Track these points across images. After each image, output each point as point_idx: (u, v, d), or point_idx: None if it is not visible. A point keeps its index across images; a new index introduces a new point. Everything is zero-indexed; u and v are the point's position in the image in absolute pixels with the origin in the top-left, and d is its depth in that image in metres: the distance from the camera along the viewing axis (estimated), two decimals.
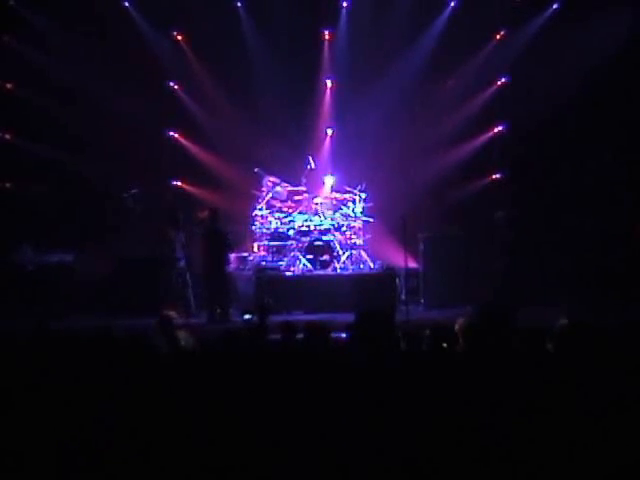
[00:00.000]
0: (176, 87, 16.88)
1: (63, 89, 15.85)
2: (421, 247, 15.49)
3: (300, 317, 13.43)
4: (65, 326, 12.50)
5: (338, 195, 16.14)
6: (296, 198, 16.08)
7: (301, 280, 15.22)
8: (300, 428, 5.21)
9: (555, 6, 16.37)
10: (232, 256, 15.06)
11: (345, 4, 16.95)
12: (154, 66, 16.31)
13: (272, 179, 15.91)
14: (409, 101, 16.58)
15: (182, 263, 14.55)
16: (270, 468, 5.01)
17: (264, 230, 15.94)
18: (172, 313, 9.76)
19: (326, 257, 15.50)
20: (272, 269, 15.49)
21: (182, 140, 16.87)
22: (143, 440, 5.21)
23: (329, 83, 17.05)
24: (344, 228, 15.86)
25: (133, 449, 5.17)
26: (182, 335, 9.25)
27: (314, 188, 16.14)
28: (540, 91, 15.72)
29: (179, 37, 16.82)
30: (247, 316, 12.53)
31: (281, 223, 15.92)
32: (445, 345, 7.79)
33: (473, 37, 16.32)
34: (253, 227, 15.99)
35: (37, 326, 9.05)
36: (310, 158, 16.12)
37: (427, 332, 7.95)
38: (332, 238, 15.60)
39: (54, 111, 15.84)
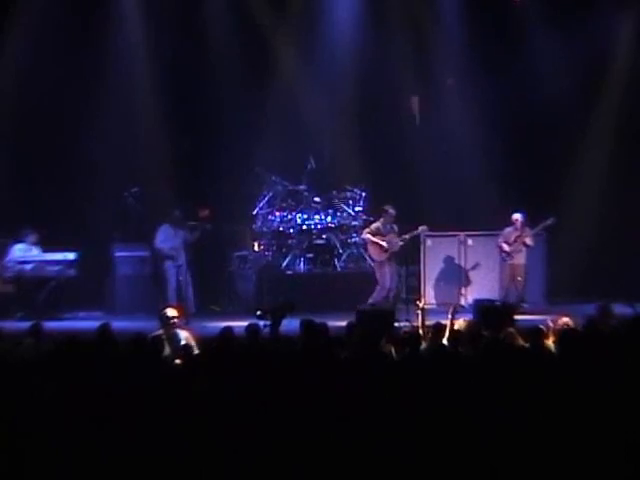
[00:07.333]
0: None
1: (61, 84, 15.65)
2: (422, 246, 15.46)
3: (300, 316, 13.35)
4: (64, 326, 12.51)
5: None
6: (296, 197, 16.03)
7: (302, 279, 15.20)
8: (300, 428, 5.19)
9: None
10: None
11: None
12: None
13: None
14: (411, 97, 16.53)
15: (182, 261, 14.44)
16: (269, 468, 5.01)
17: (265, 229, 15.91)
18: (172, 312, 9.69)
19: (327, 256, 15.48)
20: (273, 268, 15.47)
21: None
22: (143, 440, 5.21)
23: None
24: (345, 227, 15.83)
25: (133, 449, 5.16)
26: (183, 335, 9.24)
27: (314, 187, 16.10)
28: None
29: None
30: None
31: (282, 222, 15.88)
32: (446, 344, 7.78)
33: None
34: (254, 226, 15.95)
35: (35, 327, 9.07)
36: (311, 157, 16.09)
37: (428, 331, 7.95)
38: (333, 237, 15.59)
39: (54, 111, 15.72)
